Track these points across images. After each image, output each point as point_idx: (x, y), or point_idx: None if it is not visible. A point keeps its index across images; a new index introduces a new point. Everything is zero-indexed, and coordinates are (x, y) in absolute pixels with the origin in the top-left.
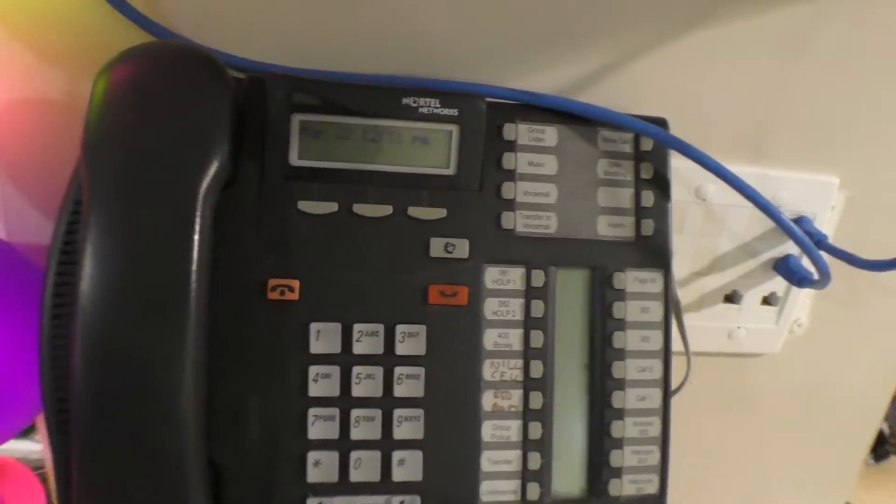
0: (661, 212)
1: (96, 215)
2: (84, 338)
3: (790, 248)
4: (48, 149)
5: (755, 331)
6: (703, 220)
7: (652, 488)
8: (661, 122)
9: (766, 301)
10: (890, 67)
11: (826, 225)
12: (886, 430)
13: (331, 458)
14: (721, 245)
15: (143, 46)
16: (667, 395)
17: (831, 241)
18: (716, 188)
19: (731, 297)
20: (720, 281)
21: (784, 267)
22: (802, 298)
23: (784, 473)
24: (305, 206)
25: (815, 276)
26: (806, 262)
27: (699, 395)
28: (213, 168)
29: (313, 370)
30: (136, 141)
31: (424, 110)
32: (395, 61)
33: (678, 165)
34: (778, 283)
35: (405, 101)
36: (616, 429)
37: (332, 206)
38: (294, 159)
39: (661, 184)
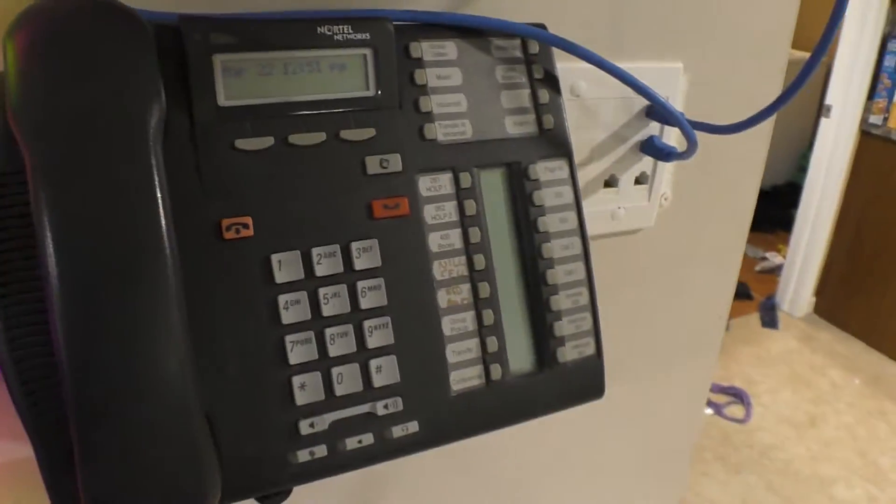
0: (556, 106)
1: (51, 180)
2: (67, 307)
3: (651, 130)
4: None
5: (632, 209)
6: (579, 114)
7: (590, 350)
8: (542, 27)
9: (638, 181)
10: None
11: (678, 105)
12: None
13: (314, 379)
14: (596, 136)
15: (48, 2)
16: (588, 266)
17: None
18: (587, 84)
19: (610, 182)
20: (599, 168)
21: (650, 147)
22: (666, 175)
23: (665, 336)
24: (242, 143)
25: (680, 150)
26: (667, 139)
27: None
28: (156, 115)
29: (282, 299)
30: (76, 97)
31: (339, 37)
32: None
33: None
34: (646, 164)
35: (320, 30)
36: (554, 302)
37: (269, 141)
38: (222, 100)
39: (551, 81)
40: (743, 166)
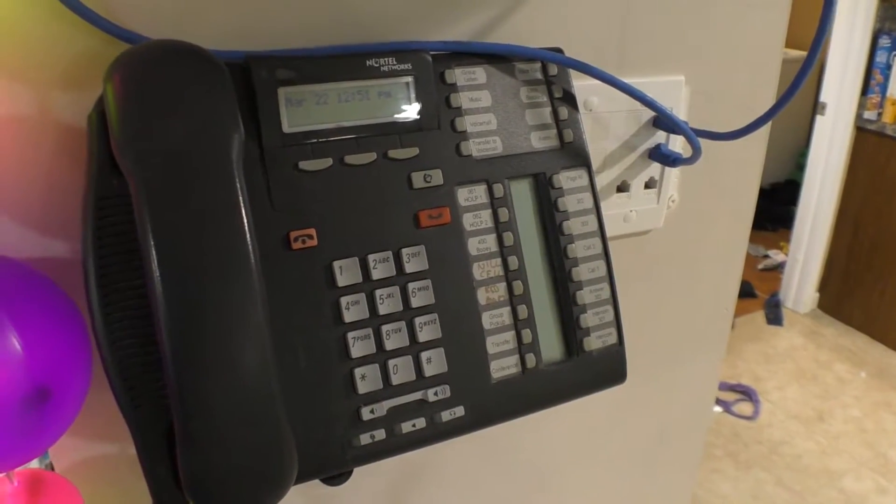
0: (574, 121)
1: (156, 203)
2: (170, 311)
3: (658, 138)
4: (26, 165)
5: (643, 212)
6: (592, 127)
7: (612, 339)
8: (559, 51)
9: (648, 185)
10: None
11: (681, 115)
12: None
13: (373, 370)
14: (608, 146)
15: (144, 47)
16: (609, 263)
17: None
18: (598, 99)
19: (622, 188)
20: (612, 175)
21: (658, 154)
22: (673, 179)
23: (676, 331)
24: (305, 164)
25: (685, 155)
26: (672, 146)
27: None
28: (237, 143)
29: (344, 300)
30: (173, 131)
31: (385, 68)
32: (331, 33)
33: None
34: (654, 169)
35: (368, 62)
36: (580, 297)
37: (328, 161)
38: (286, 127)
39: (569, 99)
40: (743, 168)
